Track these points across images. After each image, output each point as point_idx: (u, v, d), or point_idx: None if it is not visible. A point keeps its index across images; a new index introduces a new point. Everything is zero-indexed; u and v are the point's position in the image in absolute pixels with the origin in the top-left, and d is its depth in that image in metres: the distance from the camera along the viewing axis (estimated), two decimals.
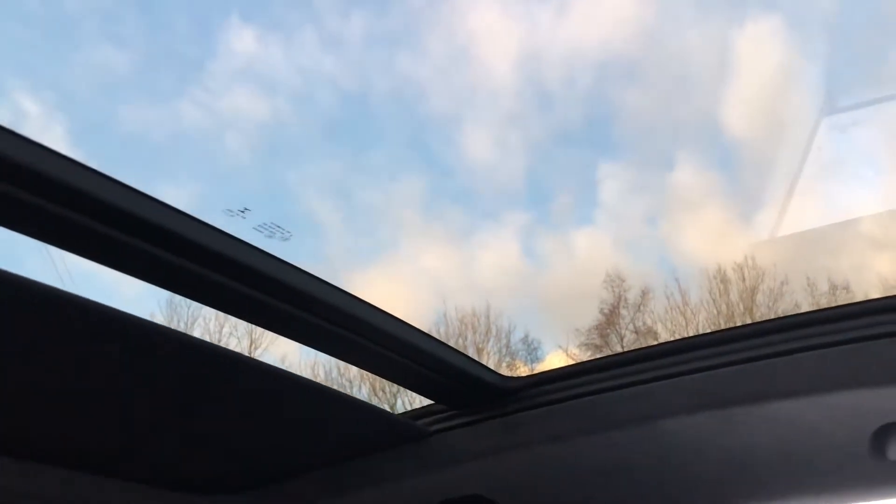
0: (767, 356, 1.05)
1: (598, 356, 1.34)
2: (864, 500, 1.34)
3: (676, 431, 1.18)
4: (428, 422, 1.37)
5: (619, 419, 1.20)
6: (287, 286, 0.95)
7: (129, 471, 1.30)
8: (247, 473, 1.42)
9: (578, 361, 1.28)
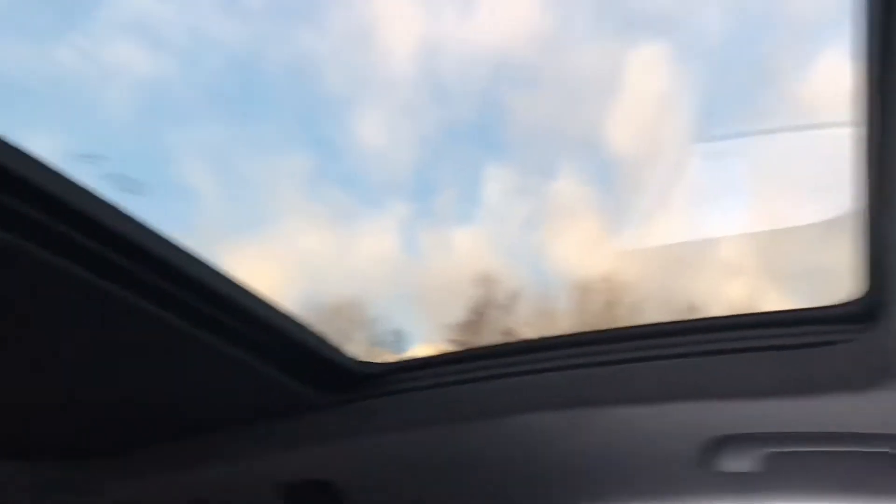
0: (614, 362, 1.08)
1: (457, 349, 1.34)
2: None
3: (523, 429, 1.20)
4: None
5: (470, 412, 1.21)
6: (122, 237, 0.89)
7: None
8: (89, 440, 1.34)
9: (438, 353, 1.28)
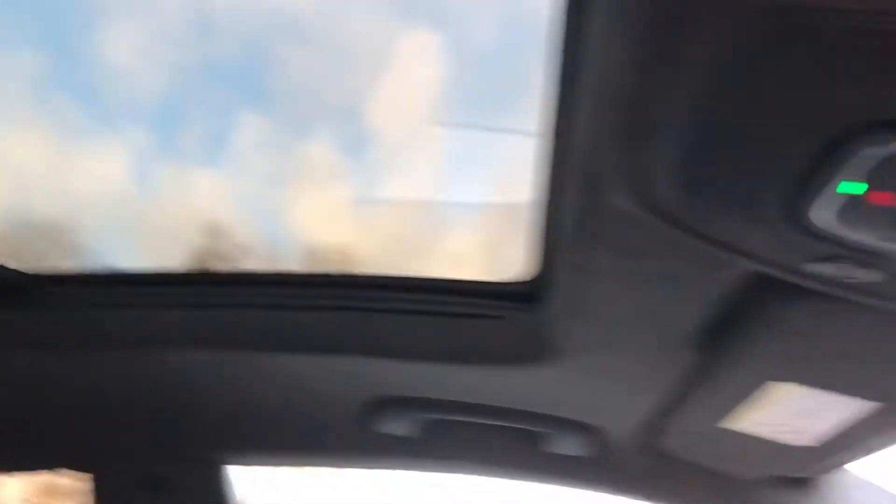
0: (283, 307, 1.05)
1: (126, 271, 1.23)
2: (351, 466, 1.43)
3: (184, 365, 1.13)
4: None
5: (118, 339, 1.12)
6: None
7: None
8: None
9: (97, 270, 1.16)
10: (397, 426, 1.24)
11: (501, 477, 1.36)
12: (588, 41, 0.55)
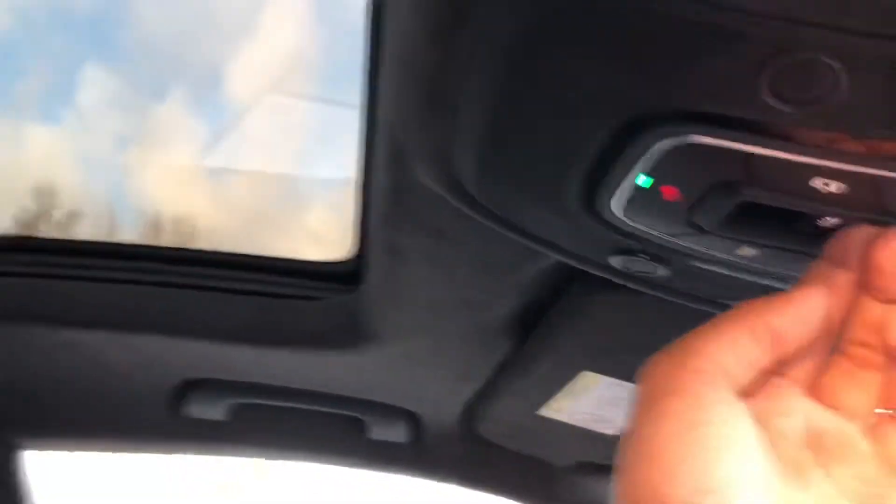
0: (72, 277, 0.96)
1: None
2: (160, 452, 1.34)
3: None
4: None
5: None
6: None
7: None
8: None
9: None
10: (208, 410, 1.17)
11: (323, 462, 1.32)
12: (389, 7, 0.51)
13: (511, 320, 0.88)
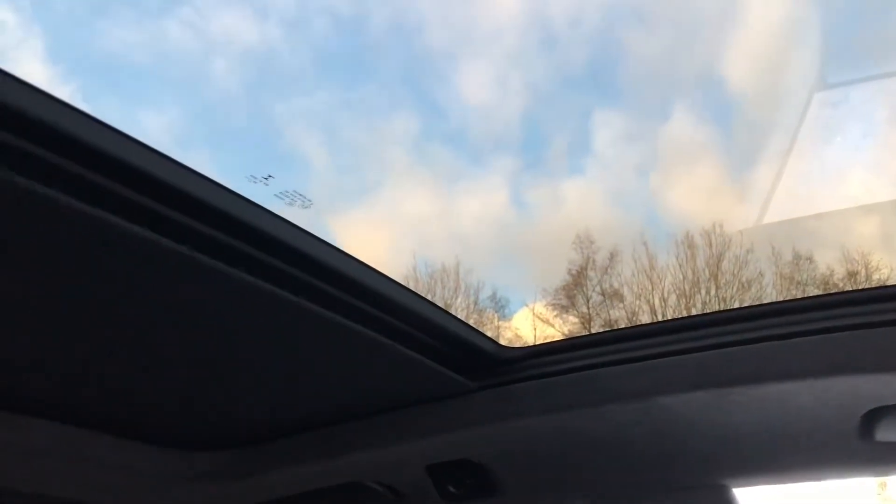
0: (764, 339, 1.06)
1: (596, 331, 1.34)
2: (850, 477, 1.37)
3: (672, 408, 1.19)
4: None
5: (616, 394, 1.21)
6: (297, 251, 0.93)
7: (120, 426, 1.30)
8: (241, 428, 1.42)
9: (575, 335, 1.28)
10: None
11: None
12: None
13: None
